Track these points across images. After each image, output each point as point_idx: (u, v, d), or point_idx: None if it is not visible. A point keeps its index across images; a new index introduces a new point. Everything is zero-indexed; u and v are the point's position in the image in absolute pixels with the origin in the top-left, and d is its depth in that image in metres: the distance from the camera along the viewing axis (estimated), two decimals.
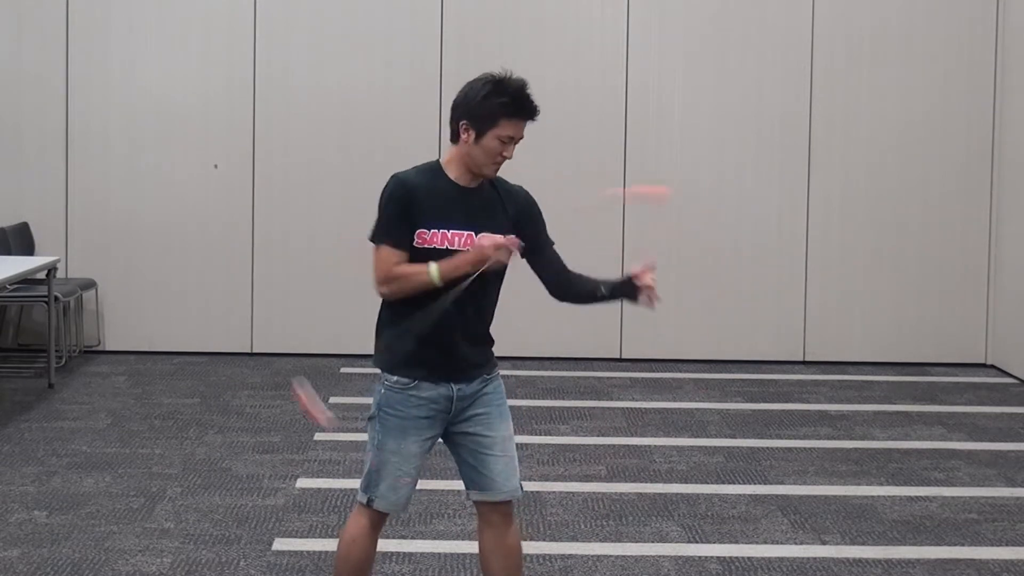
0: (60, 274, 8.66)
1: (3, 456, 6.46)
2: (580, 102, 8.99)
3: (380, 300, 3.89)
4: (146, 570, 4.93)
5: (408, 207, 3.75)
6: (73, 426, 7.08)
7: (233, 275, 9.13)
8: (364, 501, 3.91)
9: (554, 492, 6.00)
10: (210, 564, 5.01)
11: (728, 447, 6.90)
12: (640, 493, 6.02)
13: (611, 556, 5.18)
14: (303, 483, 6.11)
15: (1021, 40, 8.85)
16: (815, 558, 5.20)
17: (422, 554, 5.15)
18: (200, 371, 8.59)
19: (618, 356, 9.18)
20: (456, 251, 3.76)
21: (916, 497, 6.04)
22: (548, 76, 8.51)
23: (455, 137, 3.83)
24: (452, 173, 3.84)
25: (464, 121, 3.79)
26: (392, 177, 3.83)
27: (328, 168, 9.08)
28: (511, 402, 4.03)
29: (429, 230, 3.76)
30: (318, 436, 6.97)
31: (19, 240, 8.82)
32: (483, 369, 3.91)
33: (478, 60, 8.57)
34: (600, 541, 5.37)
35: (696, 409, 7.79)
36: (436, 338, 3.80)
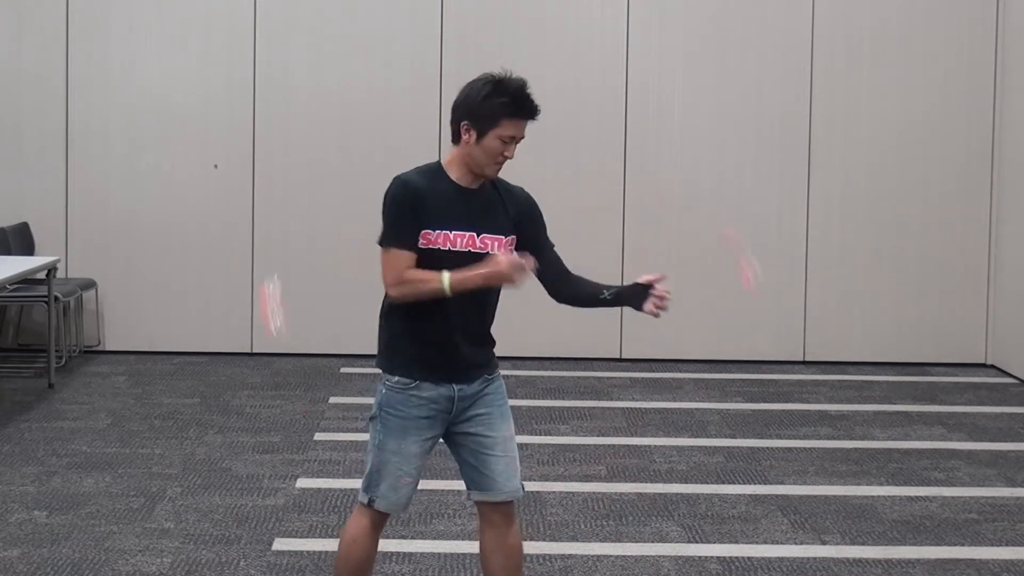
0: (60, 274, 8.66)
1: (3, 456, 6.46)
2: (580, 102, 8.99)
3: (381, 301, 3.89)
4: (146, 570, 4.93)
5: (413, 208, 3.75)
6: (73, 426, 7.08)
7: (233, 275, 9.13)
8: (365, 501, 3.91)
9: (554, 492, 6.00)
10: (210, 564, 5.01)
11: (728, 447, 6.90)
12: (640, 493, 6.02)
13: (611, 556, 5.18)
14: (303, 483, 6.11)
15: (1021, 40, 8.85)
16: (815, 558, 5.20)
17: (422, 554, 5.15)
18: (200, 371, 8.59)
19: (618, 356, 9.18)
20: (458, 252, 3.76)
21: (916, 497, 6.04)
22: (548, 76, 8.50)
23: (456, 138, 3.84)
24: (453, 174, 3.84)
25: (465, 122, 3.79)
26: (395, 179, 3.82)
27: (328, 168, 9.08)
28: (511, 402, 4.03)
29: (433, 231, 3.76)
30: (318, 436, 6.98)
31: (19, 240, 8.82)
32: (484, 369, 3.91)
33: (478, 60, 8.57)
34: (600, 541, 5.37)
35: (696, 409, 7.79)
36: (437, 338, 3.81)
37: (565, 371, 8.76)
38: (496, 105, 3.75)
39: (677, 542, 5.37)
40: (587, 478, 6.26)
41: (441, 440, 3.97)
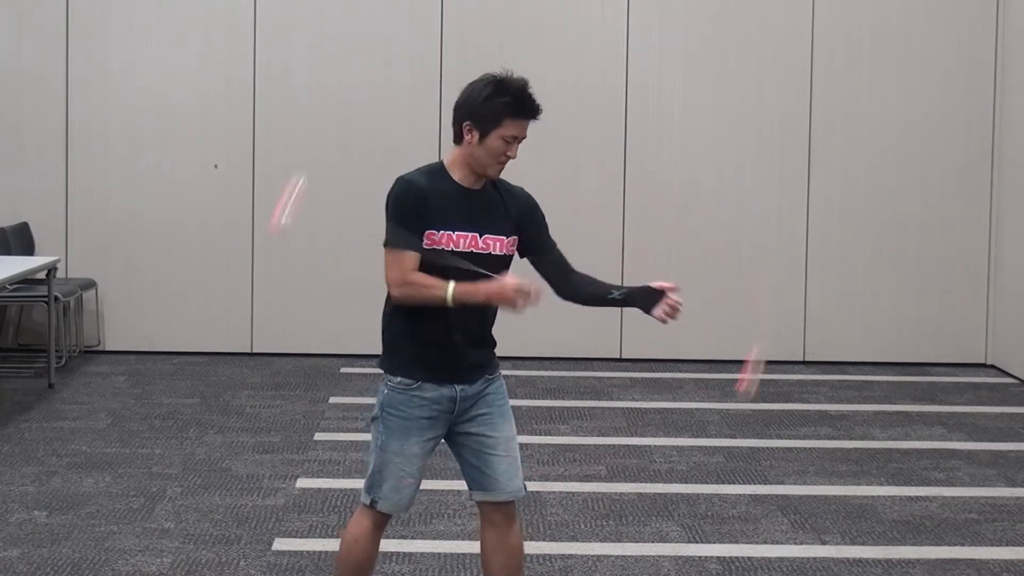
0: (60, 274, 8.66)
1: (3, 456, 6.46)
2: (580, 102, 8.99)
3: (384, 302, 3.89)
4: (146, 570, 4.93)
5: (417, 209, 3.75)
6: (73, 426, 7.08)
7: (233, 275, 9.13)
8: (367, 502, 3.91)
9: (554, 492, 6.00)
10: (210, 564, 5.01)
11: (728, 447, 6.90)
12: (640, 493, 6.02)
13: (611, 556, 5.18)
14: (303, 483, 6.11)
15: (1021, 40, 8.85)
16: (815, 558, 5.20)
17: (422, 554, 5.15)
18: (200, 371, 8.59)
19: (618, 356, 9.18)
20: (460, 252, 3.77)
21: (916, 497, 6.04)
22: (548, 76, 8.50)
23: (458, 138, 3.84)
24: (456, 174, 3.84)
25: (467, 122, 3.80)
26: (398, 180, 3.82)
27: (328, 168, 9.08)
28: (511, 402, 4.03)
29: (436, 231, 3.77)
30: (318, 436, 6.98)
31: (19, 240, 8.82)
32: (486, 370, 3.92)
33: (478, 60, 8.57)
34: (600, 541, 5.37)
35: (696, 409, 7.79)
36: (439, 339, 3.81)
37: (565, 371, 8.76)
38: (498, 105, 3.75)
39: (677, 542, 5.37)
40: (587, 478, 6.26)
41: (442, 440, 3.97)
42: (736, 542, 5.39)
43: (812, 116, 9.12)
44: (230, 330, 9.15)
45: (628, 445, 6.91)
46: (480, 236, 3.80)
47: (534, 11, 9.09)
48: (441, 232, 3.77)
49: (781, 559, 5.18)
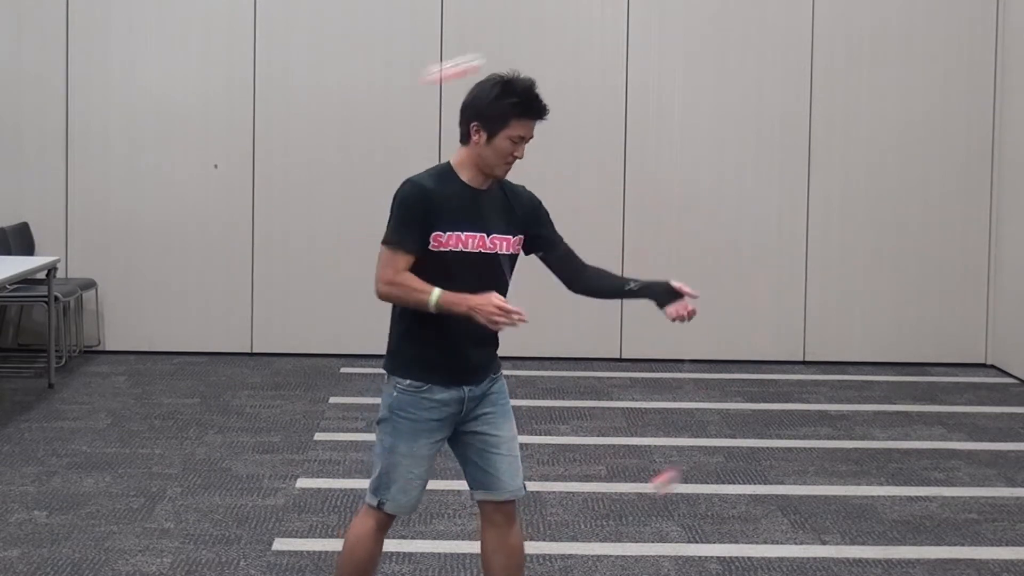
0: (60, 274, 8.66)
1: (3, 456, 6.46)
2: (580, 102, 8.99)
3: (393, 305, 3.89)
4: (146, 570, 4.94)
5: (424, 212, 3.75)
6: (73, 426, 7.08)
7: (233, 275, 9.13)
8: (374, 504, 3.91)
9: (554, 492, 6.00)
10: (210, 564, 5.01)
11: (728, 447, 6.90)
12: (640, 493, 6.02)
13: (611, 556, 5.18)
14: (303, 483, 6.11)
15: (1021, 40, 8.85)
16: (815, 558, 5.20)
17: (422, 554, 5.15)
18: (200, 371, 8.59)
19: (618, 356, 9.18)
20: (469, 253, 3.78)
21: (916, 497, 6.04)
22: (548, 76, 8.41)
23: (465, 138, 3.84)
24: (464, 175, 3.85)
25: (475, 122, 3.80)
26: (406, 181, 3.83)
27: (328, 168, 9.08)
28: (511, 402, 4.03)
29: (445, 232, 3.77)
30: (318, 436, 6.98)
31: (19, 240, 8.82)
32: (490, 370, 3.94)
33: None
34: (600, 541, 5.37)
35: (696, 409, 7.79)
36: (448, 341, 3.82)
37: (565, 371, 8.76)
38: (505, 106, 3.76)
39: (677, 542, 5.37)
40: (587, 478, 6.26)
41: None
42: (736, 542, 5.39)
43: (812, 116, 9.12)
44: (230, 330, 9.15)
45: (628, 445, 6.91)
46: (487, 236, 3.81)
47: (534, 11, 9.09)
48: (449, 233, 3.77)
49: (781, 559, 5.18)
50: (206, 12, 9.06)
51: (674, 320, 3.99)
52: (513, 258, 3.91)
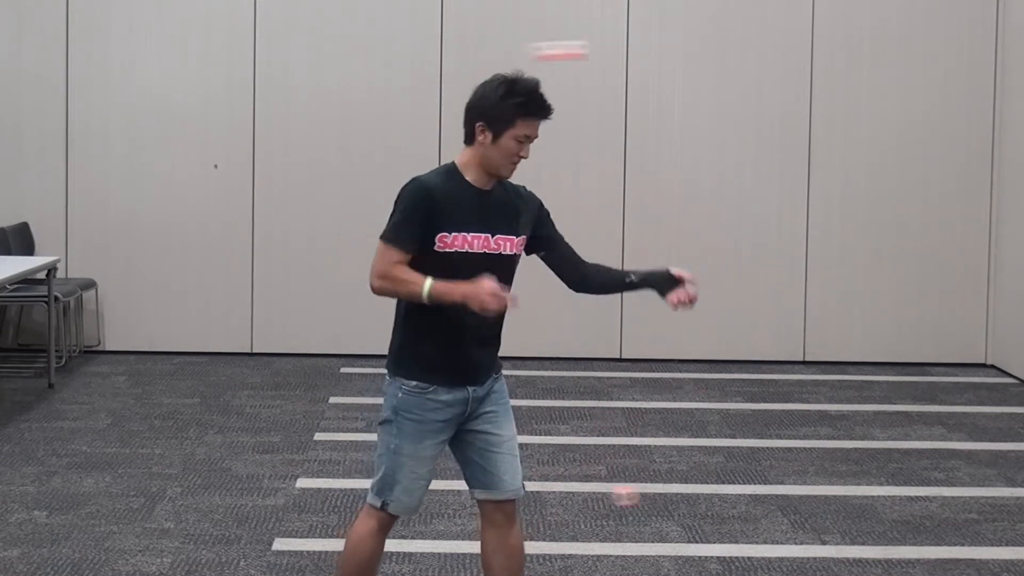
0: (60, 274, 8.66)
1: (3, 456, 6.46)
2: (580, 102, 8.99)
3: (395, 304, 3.89)
4: (146, 570, 4.94)
5: (427, 212, 3.75)
6: (73, 426, 7.08)
7: (233, 275, 9.13)
8: (378, 504, 3.91)
9: (554, 492, 6.00)
10: (210, 564, 5.01)
11: (728, 447, 6.90)
12: (640, 493, 6.02)
13: (611, 556, 5.18)
14: (303, 483, 6.11)
15: (1021, 40, 8.85)
16: (815, 558, 5.20)
17: (422, 554, 5.15)
18: (200, 371, 8.59)
19: (618, 356, 9.18)
20: (474, 253, 3.78)
21: (916, 497, 6.04)
22: (548, 76, 8.47)
23: (470, 139, 3.85)
24: (470, 175, 3.85)
25: (480, 123, 3.80)
26: (413, 180, 3.82)
27: (328, 168, 9.08)
28: (511, 402, 4.03)
29: (450, 233, 3.77)
30: (318, 436, 6.98)
31: (19, 240, 8.82)
32: (492, 370, 3.95)
33: (478, 60, 8.60)
34: (600, 541, 5.37)
35: (696, 409, 7.79)
36: (453, 343, 3.83)
37: (565, 371, 8.76)
38: (511, 106, 3.77)
39: (677, 542, 5.37)
40: (587, 478, 6.26)
41: None
42: (736, 542, 5.39)
43: (812, 116, 9.12)
44: (230, 330, 9.15)
45: (628, 445, 6.91)
46: (492, 237, 3.82)
47: (534, 11, 9.09)
48: (455, 234, 3.77)
49: (781, 559, 5.18)
50: (206, 12, 9.06)
51: (676, 307, 4.01)
52: (516, 259, 3.91)
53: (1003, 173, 9.06)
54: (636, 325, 9.06)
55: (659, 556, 5.19)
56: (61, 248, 9.03)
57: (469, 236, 3.79)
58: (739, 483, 6.24)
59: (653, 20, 9.10)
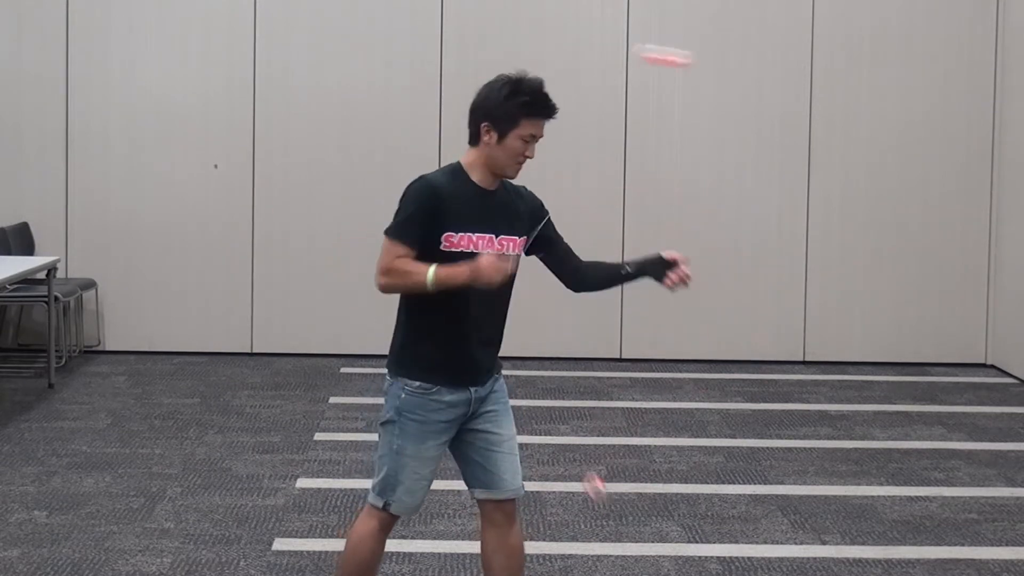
0: (60, 274, 8.66)
1: (3, 456, 6.46)
2: (580, 102, 8.99)
3: (398, 303, 3.89)
4: (146, 570, 4.93)
5: (432, 211, 3.76)
6: (73, 426, 7.08)
7: (233, 275, 9.13)
8: (380, 505, 3.91)
9: (554, 492, 6.00)
10: (210, 564, 5.01)
11: (728, 447, 6.90)
12: (640, 493, 6.02)
13: (611, 556, 5.18)
14: (303, 483, 6.11)
15: (1021, 40, 8.85)
16: (815, 558, 5.20)
17: (422, 554, 5.15)
18: (200, 371, 8.59)
19: (618, 356, 9.18)
20: (479, 254, 3.77)
21: (916, 497, 6.04)
22: (548, 76, 8.46)
23: (474, 139, 3.85)
24: (475, 176, 3.85)
25: (485, 123, 3.81)
26: (420, 178, 3.83)
27: (328, 168, 9.08)
28: (511, 402, 4.04)
29: (456, 233, 3.77)
30: (318, 436, 6.98)
31: (19, 240, 8.82)
32: (494, 370, 3.96)
33: (478, 60, 8.61)
34: (600, 541, 5.37)
35: (696, 409, 7.79)
36: (455, 343, 3.83)
37: (565, 371, 8.76)
38: (516, 105, 3.78)
39: (677, 542, 5.37)
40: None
41: None
42: (736, 542, 5.39)
43: (812, 116, 9.12)
44: (230, 330, 9.15)
45: (628, 445, 6.91)
46: (496, 237, 3.83)
47: (534, 11, 9.09)
48: (460, 234, 3.78)
49: (781, 559, 5.18)
50: (206, 12, 9.06)
51: (672, 288, 4.03)
52: (518, 258, 3.91)
53: (1003, 173, 9.06)
54: (636, 325, 9.06)
55: (659, 556, 5.19)
56: (61, 248, 9.03)
57: (474, 236, 3.79)
58: (739, 483, 6.24)
59: (653, 20, 9.10)
